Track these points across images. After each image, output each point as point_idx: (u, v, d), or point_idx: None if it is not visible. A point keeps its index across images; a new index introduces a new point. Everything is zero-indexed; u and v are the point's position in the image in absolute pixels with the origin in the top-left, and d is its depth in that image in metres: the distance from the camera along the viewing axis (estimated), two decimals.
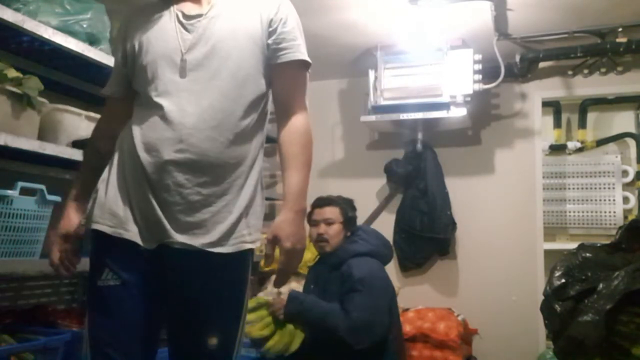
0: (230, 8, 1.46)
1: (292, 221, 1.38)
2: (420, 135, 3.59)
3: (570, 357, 2.01)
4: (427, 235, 3.60)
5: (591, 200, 4.13)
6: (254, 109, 1.43)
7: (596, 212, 4.11)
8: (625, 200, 4.07)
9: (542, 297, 2.15)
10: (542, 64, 3.54)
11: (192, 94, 1.38)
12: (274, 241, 1.38)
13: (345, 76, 3.95)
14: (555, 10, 2.91)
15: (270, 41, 1.45)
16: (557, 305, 2.04)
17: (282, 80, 1.47)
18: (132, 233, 1.37)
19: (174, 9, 1.46)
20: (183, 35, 1.42)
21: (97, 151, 1.55)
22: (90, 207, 1.44)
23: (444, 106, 3.26)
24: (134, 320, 1.37)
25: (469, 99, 3.26)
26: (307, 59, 1.48)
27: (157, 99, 1.39)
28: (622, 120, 4.11)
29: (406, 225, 3.67)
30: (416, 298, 3.60)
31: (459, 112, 3.24)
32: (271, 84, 1.48)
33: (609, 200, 4.09)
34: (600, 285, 1.97)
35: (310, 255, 2.89)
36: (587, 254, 2.12)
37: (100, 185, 1.44)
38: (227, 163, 1.39)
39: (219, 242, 1.38)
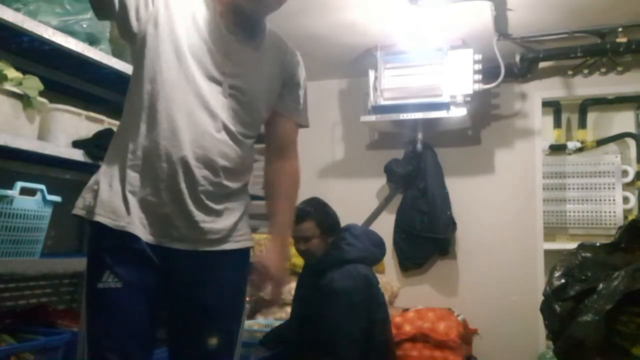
0: (263, 40, 1.49)
1: (285, 254, 1.59)
2: (420, 135, 3.59)
3: (570, 357, 2.01)
4: (427, 235, 3.60)
5: (591, 200, 4.13)
6: (257, 131, 1.53)
7: (596, 212, 4.11)
8: (625, 200, 4.07)
9: (542, 297, 2.14)
10: (542, 64, 3.54)
11: (219, 102, 1.39)
12: (267, 273, 1.50)
13: (345, 76, 3.96)
14: (555, 10, 2.91)
15: (284, 92, 1.56)
16: (557, 306, 2.04)
17: (285, 129, 1.60)
18: (135, 226, 1.34)
19: (218, 19, 1.41)
20: (226, 50, 1.40)
21: None
22: (89, 201, 1.38)
23: (444, 106, 3.26)
24: (135, 323, 1.35)
25: (469, 99, 3.26)
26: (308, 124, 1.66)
27: (184, 97, 1.35)
28: (622, 120, 4.11)
29: (406, 225, 3.68)
30: (416, 298, 3.60)
31: (459, 112, 3.24)
32: (271, 124, 1.59)
33: (609, 200, 4.09)
34: (600, 285, 1.97)
35: (300, 260, 2.90)
36: (587, 254, 2.12)
37: (101, 177, 1.38)
38: (237, 168, 1.44)
39: (224, 239, 1.43)
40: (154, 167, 1.35)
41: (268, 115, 1.55)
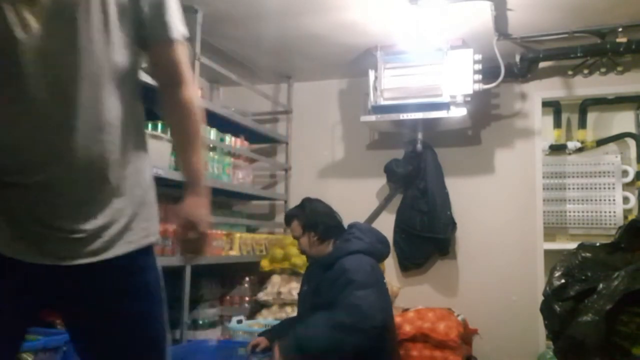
0: None
1: (204, 204, 1.26)
2: (420, 135, 3.59)
3: (570, 357, 2.01)
4: (427, 235, 3.60)
5: (591, 200, 4.13)
6: (126, 90, 1.19)
7: (596, 212, 4.11)
8: (625, 200, 4.06)
9: (542, 297, 2.15)
10: (542, 64, 3.54)
11: (52, 78, 1.08)
12: (189, 226, 1.23)
13: (345, 76, 3.96)
14: (555, 10, 2.91)
15: (142, 11, 1.20)
16: (556, 306, 2.04)
17: (161, 57, 1.26)
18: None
19: None
20: None
21: None
22: None
23: (444, 106, 3.25)
24: None
25: (469, 99, 3.26)
26: (186, 33, 1.28)
27: (8, 87, 1.07)
28: (622, 120, 4.10)
29: (406, 225, 3.68)
30: (416, 298, 3.60)
31: (459, 112, 3.24)
32: (146, 59, 1.26)
33: (609, 200, 4.09)
34: (600, 285, 1.97)
35: (300, 259, 2.89)
36: (587, 254, 2.12)
37: None
38: (110, 166, 1.17)
39: (110, 245, 1.18)
40: (10, 176, 1.11)
41: (125, 45, 1.18)
